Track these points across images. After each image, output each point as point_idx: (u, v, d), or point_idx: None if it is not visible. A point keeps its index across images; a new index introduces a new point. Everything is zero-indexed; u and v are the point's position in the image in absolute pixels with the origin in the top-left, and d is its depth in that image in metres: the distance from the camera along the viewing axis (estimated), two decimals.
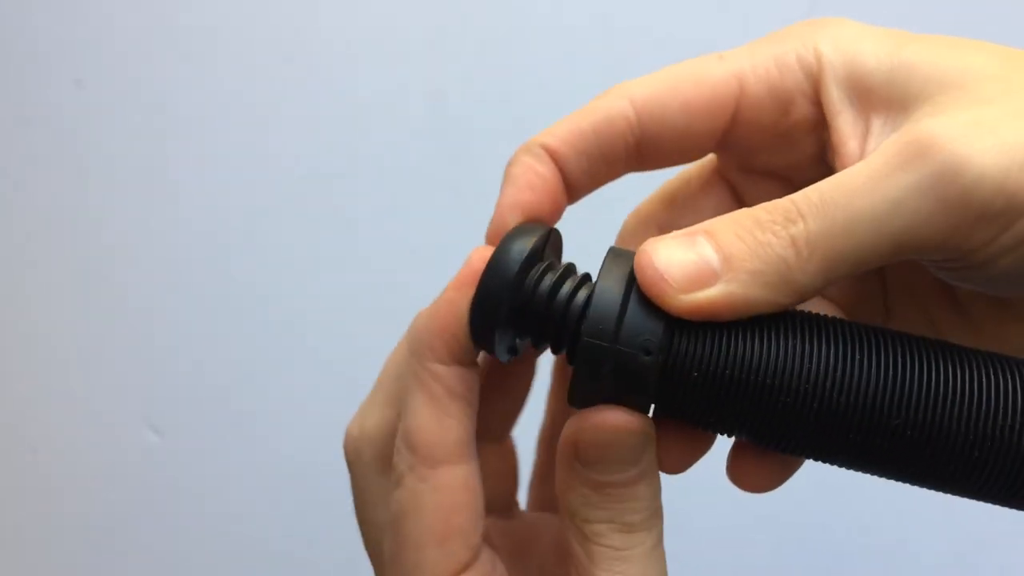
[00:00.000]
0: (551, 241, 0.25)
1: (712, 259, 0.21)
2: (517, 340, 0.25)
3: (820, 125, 0.25)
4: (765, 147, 0.26)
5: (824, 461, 0.23)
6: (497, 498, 0.28)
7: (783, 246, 0.21)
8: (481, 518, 0.24)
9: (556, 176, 0.26)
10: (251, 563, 0.69)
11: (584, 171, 0.26)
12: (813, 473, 0.66)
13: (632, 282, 0.22)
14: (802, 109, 0.24)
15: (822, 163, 0.26)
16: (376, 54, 0.64)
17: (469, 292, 0.23)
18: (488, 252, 0.24)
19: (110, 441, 0.68)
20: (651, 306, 0.22)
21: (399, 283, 0.64)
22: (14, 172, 0.68)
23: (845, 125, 0.24)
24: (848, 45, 0.24)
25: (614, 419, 0.22)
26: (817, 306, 0.27)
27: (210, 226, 0.67)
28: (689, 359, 0.22)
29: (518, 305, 0.23)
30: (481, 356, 0.26)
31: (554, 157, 0.26)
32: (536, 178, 0.26)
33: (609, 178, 0.27)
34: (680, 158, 0.27)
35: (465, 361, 0.24)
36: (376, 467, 0.26)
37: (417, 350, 0.24)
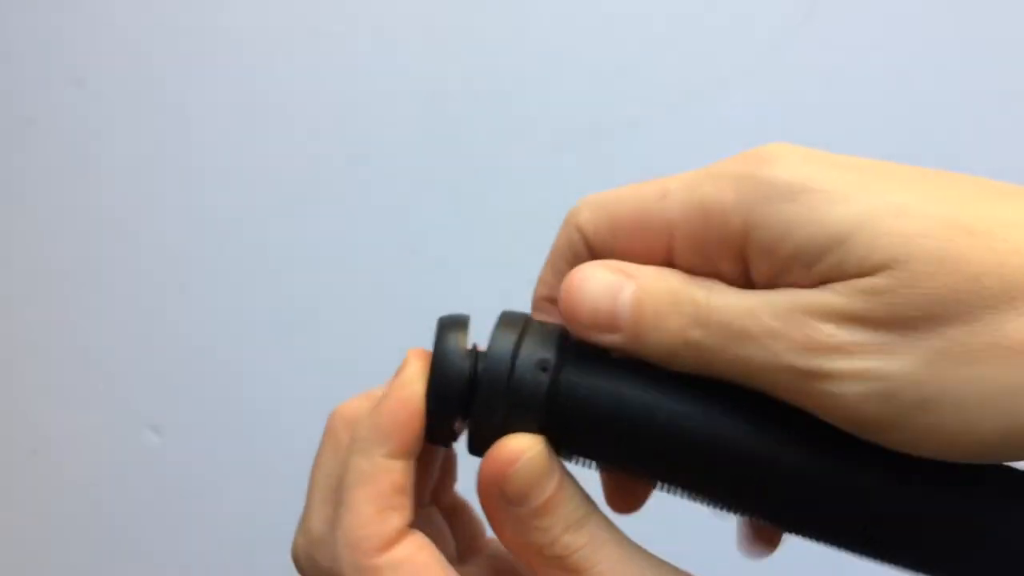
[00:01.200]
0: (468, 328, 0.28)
1: (623, 319, 0.24)
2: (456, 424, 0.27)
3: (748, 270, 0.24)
4: (700, 271, 0.25)
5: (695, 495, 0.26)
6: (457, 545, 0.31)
7: (681, 340, 0.23)
8: (449, 565, 0.26)
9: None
10: (251, 563, 0.68)
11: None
12: None
13: (526, 325, 0.26)
14: (730, 270, 0.24)
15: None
16: (377, 54, 0.64)
17: (410, 391, 0.26)
18: (420, 353, 0.26)
19: (110, 441, 0.68)
20: (546, 336, 0.25)
21: (399, 283, 0.64)
22: (14, 172, 0.68)
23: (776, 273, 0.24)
24: (777, 218, 0.22)
25: (512, 447, 0.24)
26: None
27: (210, 226, 0.67)
28: (575, 380, 0.25)
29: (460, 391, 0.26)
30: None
31: (548, 300, 0.29)
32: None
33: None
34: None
35: (413, 454, 0.26)
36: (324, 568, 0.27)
37: (364, 448, 0.25)
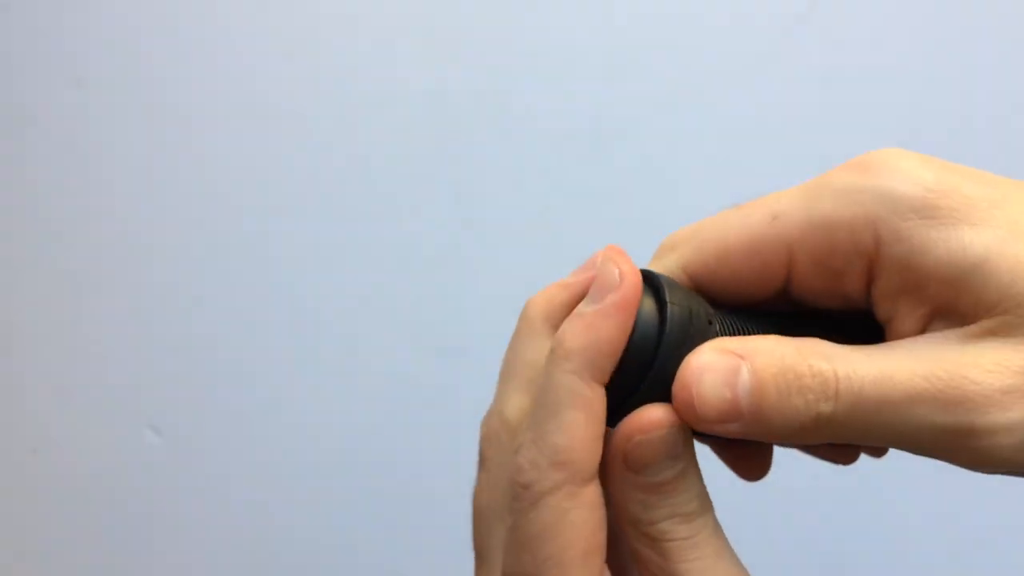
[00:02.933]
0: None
1: (743, 406, 0.23)
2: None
3: (871, 288, 0.25)
4: (819, 298, 0.26)
5: None
6: None
7: (809, 417, 0.23)
8: (608, 535, 0.25)
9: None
10: (251, 563, 0.68)
11: None
12: (813, 474, 0.67)
13: (671, 282, 0.25)
14: (855, 282, 0.24)
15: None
16: (377, 54, 0.64)
17: (626, 318, 0.23)
18: (633, 270, 0.24)
19: (110, 441, 0.68)
20: (694, 296, 0.25)
21: (400, 282, 0.64)
22: (14, 172, 0.68)
23: (899, 314, 0.24)
24: (913, 236, 0.22)
25: (651, 416, 0.23)
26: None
27: (210, 226, 0.67)
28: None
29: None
30: None
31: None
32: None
33: None
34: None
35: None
36: (511, 456, 0.26)
37: (577, 368, 0.23)
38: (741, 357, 0.23)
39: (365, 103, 0.64)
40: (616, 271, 0.23)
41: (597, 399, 0.23)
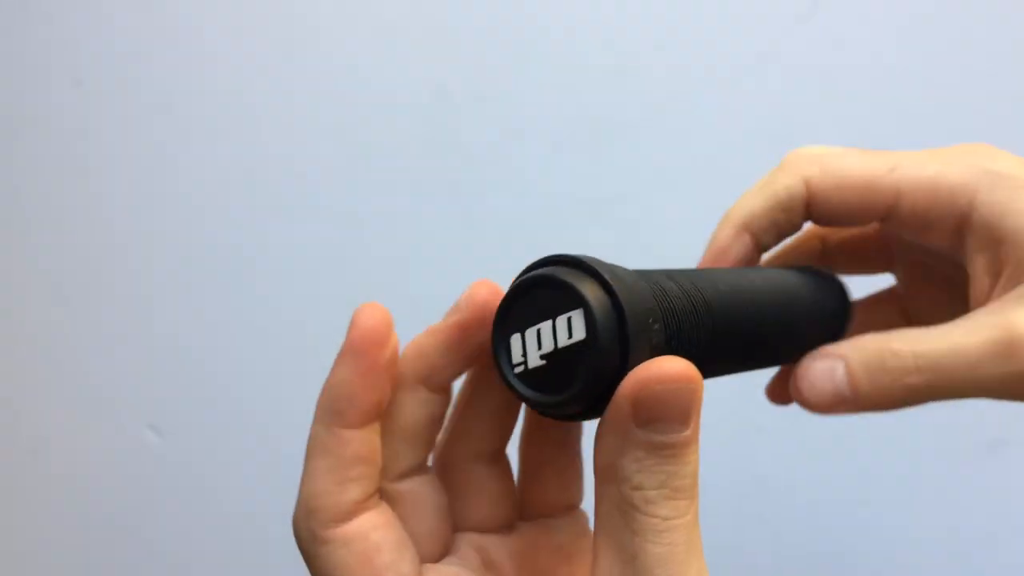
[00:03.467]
0: None
1: (846, 393, 0.29)
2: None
3: (957, 247, 0.31)
4: (909, 236, 0.32)
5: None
6: (496, 517, 0.28)
7: (900, 390, 0.28)
8: (409, 546, 0.25)
9: (750, 245, 0.34)
10: (251, 563, 0.69)
11: (770, 235, 0.34)
12: (813, 473, 0.67)
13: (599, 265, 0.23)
14: (944, 238, 0.31)
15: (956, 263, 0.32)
16: (377, 54, 0.64)
17: (357, 360, 0.24)
18: (374, 310, 0.25)
19: (110, 441, 0.68)
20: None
21: (401, 282, 0.64)
22: (14, 172, 0.68)
23: (979, 267, 0.30)
24: (998, 200, 0.29)
25: (672, 366, 0.22)
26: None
27: (210, 226, 0.67)
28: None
29: None
30: (464, 379, 0.27)
31: (748, 229, 0.34)
32: (733, 249, 0.34)
33: (788, 234, 0.35)
34: (844, 225, 0.34)
35: (373, 420, 0.25)
36: (317, 543, 0.26)
37: (318, 416, 0.25)
38: (836, 357, 0.29)
39: (365, 103, 0.64)
40: (463, 297, 0.25)
41: (339, 443, 0.24)
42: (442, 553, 0.27)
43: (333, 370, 0.25)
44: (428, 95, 0.64)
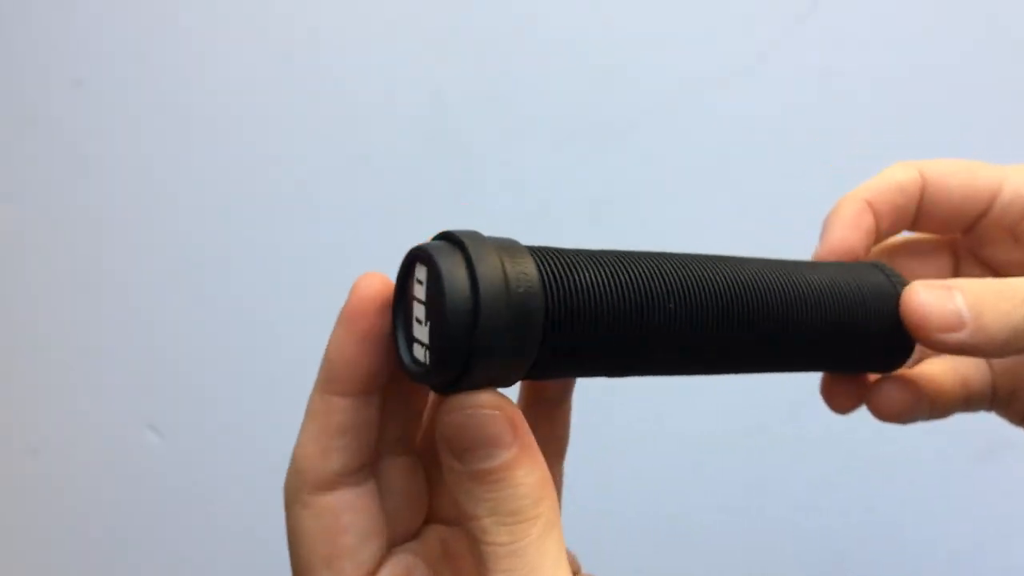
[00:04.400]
0: None
1: (964, 314, 0.28)
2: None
3: None
4: (997, 241, 0.34)
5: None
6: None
7: (1020, 317, 0.28)
8: (375, 536, 0.25)
9: (873, 222, 0.34)
10: (252, 564, 0.69)
11: (888, 220, 0.34)
12: (814, 473, 0.66)
13: (482, 242, 0.23)
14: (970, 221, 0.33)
15: None
16: (377, 54, 0.64)
17: (350, 327, 0.24)
18: (374, 278, 0.25)
19: (110, 441, 0.68)
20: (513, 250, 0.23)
21: None
22: (14, 172, 0.68)
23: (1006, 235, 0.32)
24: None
25: (471, 399, 0.23)
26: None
27: (210, 226, 0.67)
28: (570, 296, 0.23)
29: None
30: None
31: (872, 205, 0.34)
32: (861, 220, 0.33)
33: (891, 233, 0.35)
34: (941, 229, 0.36)
35: (365, 391, 0.25)
36: (301, 503, 0.27)
37: (316, 382, 0.25)
38: (950, 287, 0.29)
39: (365, 104, 0.64)
40: (352, 287, 0.25)
41: (326, 410, 0.25)
42: (406, 538, 0.28)
43: (330, 336, 0.25)
44: (428, 95, 0.64)
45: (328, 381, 0.25)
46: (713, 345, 0.26)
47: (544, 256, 0.23)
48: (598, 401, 0.62)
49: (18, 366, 0.69)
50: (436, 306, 0.22)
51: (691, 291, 0.25)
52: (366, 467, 0.26)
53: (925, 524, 0.62)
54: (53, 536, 0.70)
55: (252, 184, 0.66)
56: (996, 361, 0.35)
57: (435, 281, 0.22)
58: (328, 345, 0.25)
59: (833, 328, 0.29)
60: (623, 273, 0.24)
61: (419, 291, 0.23)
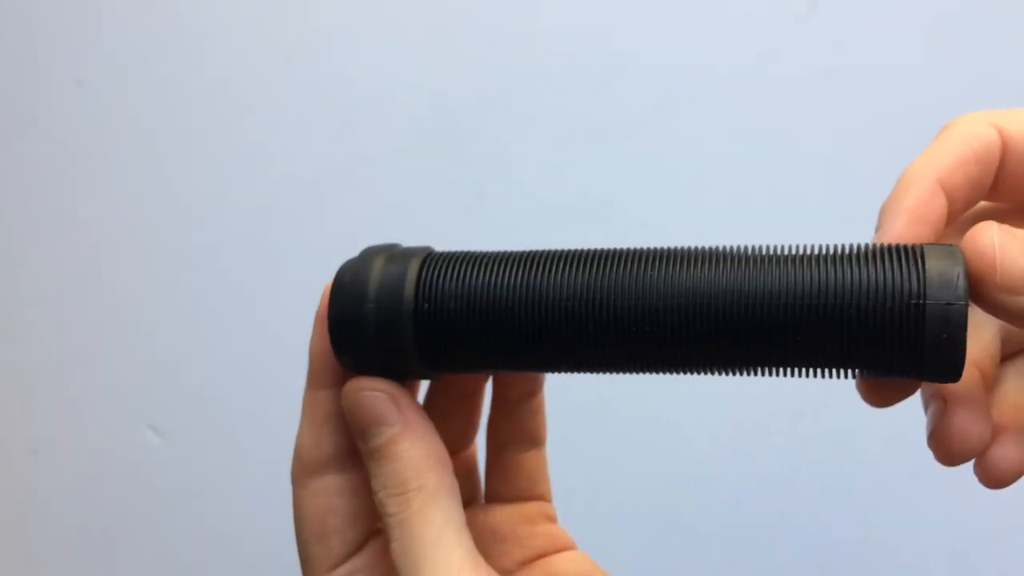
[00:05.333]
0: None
1: (992, 251, 0.22)
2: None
3: None
4: None
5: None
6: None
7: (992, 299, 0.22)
8: (361, 518, 0.28)
9: (945, 208, 0.26)
10: (252, 564, 0.68)
11: (962, 195, 0.26)
12: (814, 473, 0.66)
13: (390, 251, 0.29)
14: (977, 178, 0.26)
15: None
16: (377, 54, 0.64)
17: (321, 326, 0.28)
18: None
19: (110, 441, 0.68)
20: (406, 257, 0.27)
21: None
22: (14, 172, 0.68)
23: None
24: None
25: (357, 382, 0.26)
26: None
27: (210, 226, 0.67)
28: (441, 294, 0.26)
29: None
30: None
31: (943, 186, 0.26)
32: (931, 208, 0.26)
33: (979, 197, 0.27)
34: (1015, 198, 0.28)
35: (337, 384, 0.28)
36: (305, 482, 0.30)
37: (307, 378, 0.28)
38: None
39: (366, 103, 0.64)
40: (323, 291, 0.28)
41: (314, 401, 0.28)
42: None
43: (311, 335, 0.28)
44: (428, 95, 0.64)
45: (312, 375, 0.28)
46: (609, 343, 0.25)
47: (434, 261, 0.27)
48: (599, 399, 0.62)
49: (18, 366, 0.69)
50: None
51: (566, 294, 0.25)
52: (354, 455, 0.28)
53: (925, 523, 0.62)
54: (53, 536, 0.70)
55: (252, 184, 0.66)
56: None
57: None
58: (309, 343, 0.28)
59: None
60: (499, 274, 0.25)
61: None
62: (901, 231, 0.25)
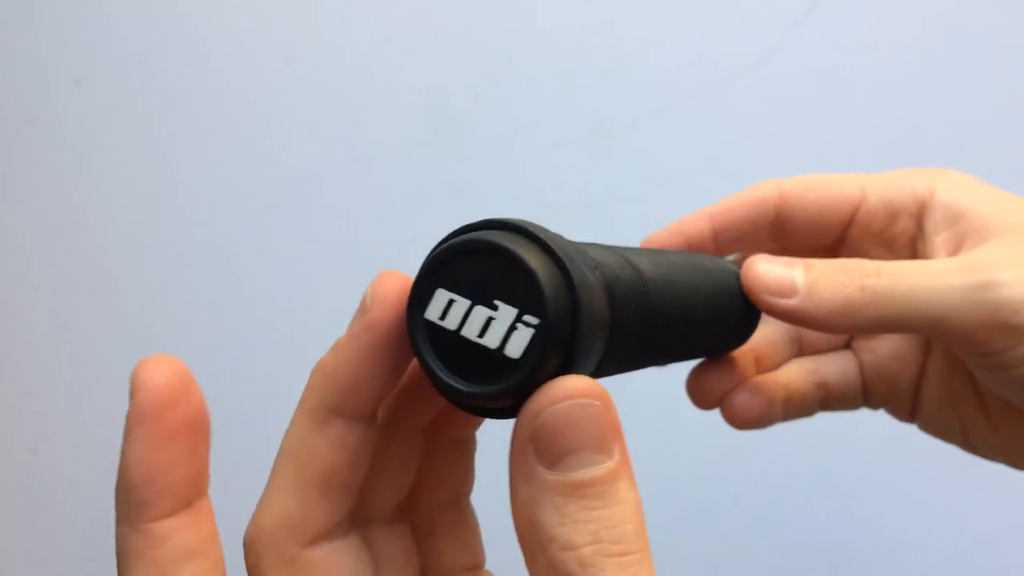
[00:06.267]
0: None
1: (799, 281, 0.28)
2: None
3: (915, 240, 0.32)
4: (869, 250, 0.33)
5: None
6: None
7: (854, 288, 0.27)
8: None
9: (705, 235, 0.35)
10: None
11: (732, 235, 0.35)
12: (814, 473, 0.67)
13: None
14: (906, 224, 0.32)
15: None
16: (377, 54, 0.64)
17: (372, 340, 0.20)
18: (396, 279, 0.21)
19: (110, 441, 0.68)
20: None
21: None
22: (14, 172, 0.68)
23: (939, 241, 0.31)
24: (957, 187, 0.31)
25: (575, 384, 0.18)
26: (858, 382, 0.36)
27: (210, 226, 0.67)
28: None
29: None
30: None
31: (713, 221, 0.34)
32: (689, 231, 0.35)
33: (738, 237, 0.35)
34: (803, 242, 0.35)
35: (371, 414, 0.21)
36: (280, 571, 0.22)
37: (307, 410, 0.22)
38: (794, 262, 0.29)
39: (366, 103, 0.64)
40: (369, 293, 0.20)
41: (326, 438, 0.20)
42: None
43: (340, 348, 0.21)
44: (427, 95, 0.64)
45: (334, 400, 0.21)
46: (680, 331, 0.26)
47: (591, 256, 0.21)
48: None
49: (18, 366, 0.69)
50: (518, 291, 0.19)
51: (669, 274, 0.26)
52: (350, 516, 0.22)
53: (924, 523, 0.62)
54: (53, 536, 0.70)
55: (252, 184, 0.66)
56: (866, 360, 0.36)
57: (511, 267, 0.19)
58: (333, 359, 0.21)
59: (697, 308, 0.26)
60: (633, 266, 0.23)
61: (471, 288, 0.20)
62: (661, 236, 0.36)
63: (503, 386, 0.18)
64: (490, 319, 0.19)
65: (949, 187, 0.31)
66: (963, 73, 0.60)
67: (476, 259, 0.20)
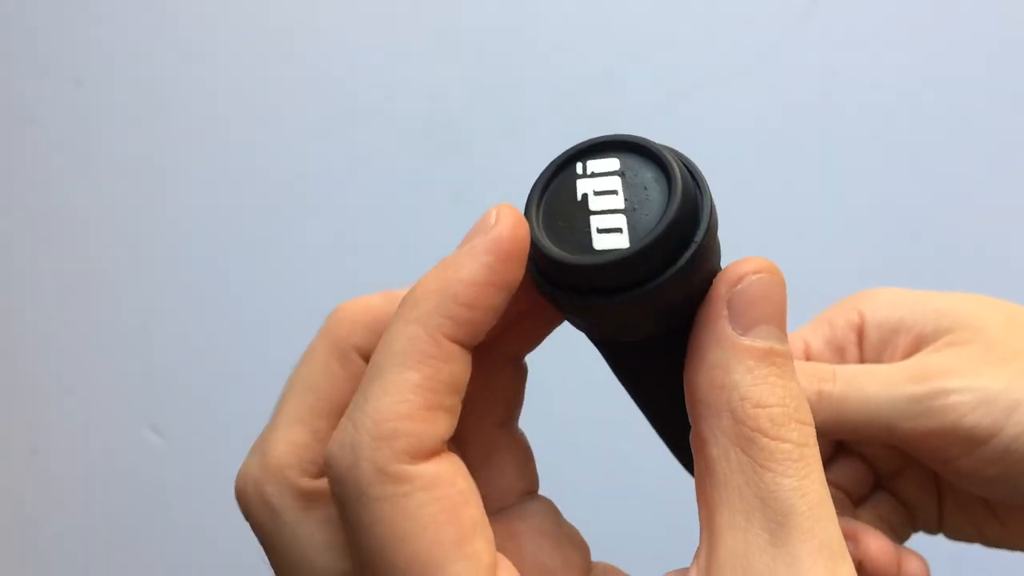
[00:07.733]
0: None
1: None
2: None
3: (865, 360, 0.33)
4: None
5: None
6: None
7: (812, 393, 0.28)
8: (485, 500, 0.20)
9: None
10: (252, 564, 0.68)
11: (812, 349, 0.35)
12: None
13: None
14: (852, 353, 0.32)
15: None
16: (377, 54, 0.64)
17: (497, 261, 0.19)
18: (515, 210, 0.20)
19: (110, 441, 0.68)
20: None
21: (398, 284, 0.64)
22: (14, 172, 0.68)
23: (883, 356, 0.31)
24: (883, 303, 0.32)
25: (768, 261, 0.20)
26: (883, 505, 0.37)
27: (210, 226, 0.67)
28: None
29: None
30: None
31: (807, 345, 0.33)
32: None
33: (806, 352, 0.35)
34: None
35: (474, 342, 0.19)
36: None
37: (422, 316, 0.19)
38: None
39: (365, 103, 0.64)
40: (493, 213, 0.20)
41: (443, 357, 0.18)
42: None
43: (453, 263, 0.19)
44: (427, 95, 0.64)
45: (446, 317, 0.18)
46: None
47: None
48: (598, 387, 0.62)
49: (18, 366, 0.69)
50: (653, 179, 0.21)
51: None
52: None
53: None
54: (53, 536, 0.70)
55: (252, 184, 0.66)
56: (899, 499, 0.36)
57: (645, 160, 0.22)
58: (458, 270, 0.19)
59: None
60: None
61: (601, 183, 0.21)
62: None
63: (638, 248, 0.19)
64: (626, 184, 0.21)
65: (874, 304, 0.32)
66: (963, 72, 0.60)
67: (608, 154, 0.21)
